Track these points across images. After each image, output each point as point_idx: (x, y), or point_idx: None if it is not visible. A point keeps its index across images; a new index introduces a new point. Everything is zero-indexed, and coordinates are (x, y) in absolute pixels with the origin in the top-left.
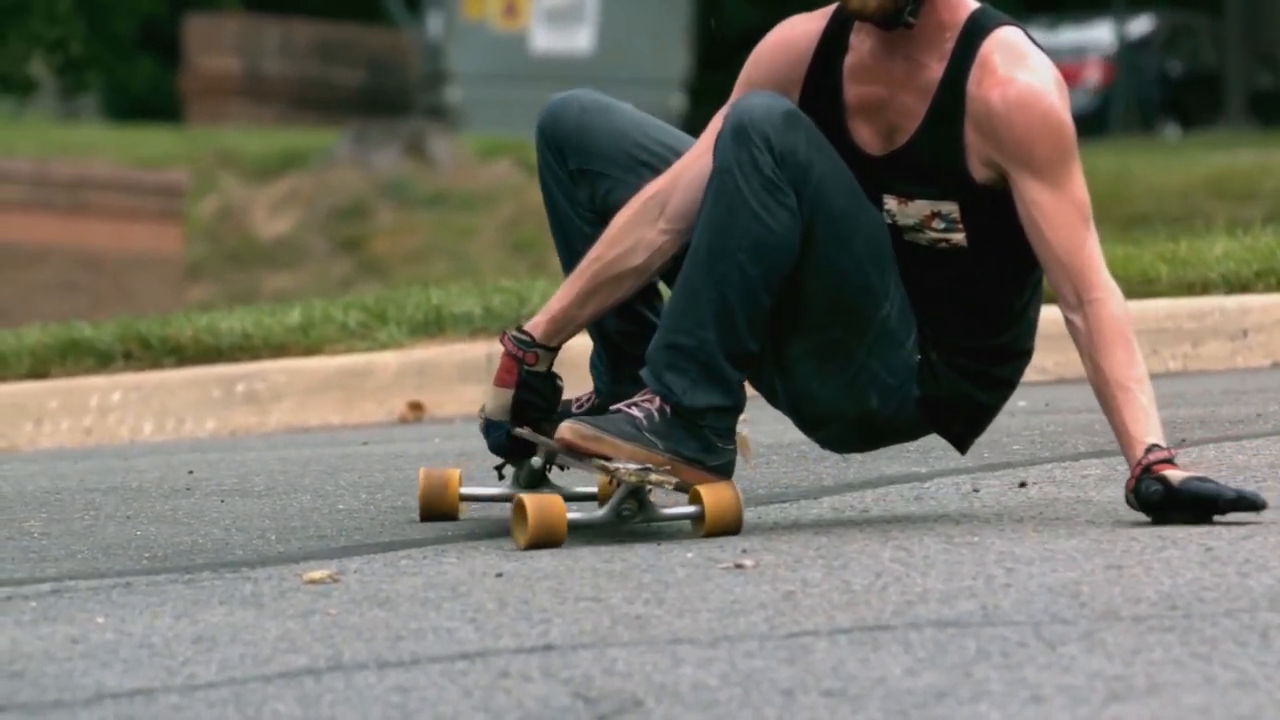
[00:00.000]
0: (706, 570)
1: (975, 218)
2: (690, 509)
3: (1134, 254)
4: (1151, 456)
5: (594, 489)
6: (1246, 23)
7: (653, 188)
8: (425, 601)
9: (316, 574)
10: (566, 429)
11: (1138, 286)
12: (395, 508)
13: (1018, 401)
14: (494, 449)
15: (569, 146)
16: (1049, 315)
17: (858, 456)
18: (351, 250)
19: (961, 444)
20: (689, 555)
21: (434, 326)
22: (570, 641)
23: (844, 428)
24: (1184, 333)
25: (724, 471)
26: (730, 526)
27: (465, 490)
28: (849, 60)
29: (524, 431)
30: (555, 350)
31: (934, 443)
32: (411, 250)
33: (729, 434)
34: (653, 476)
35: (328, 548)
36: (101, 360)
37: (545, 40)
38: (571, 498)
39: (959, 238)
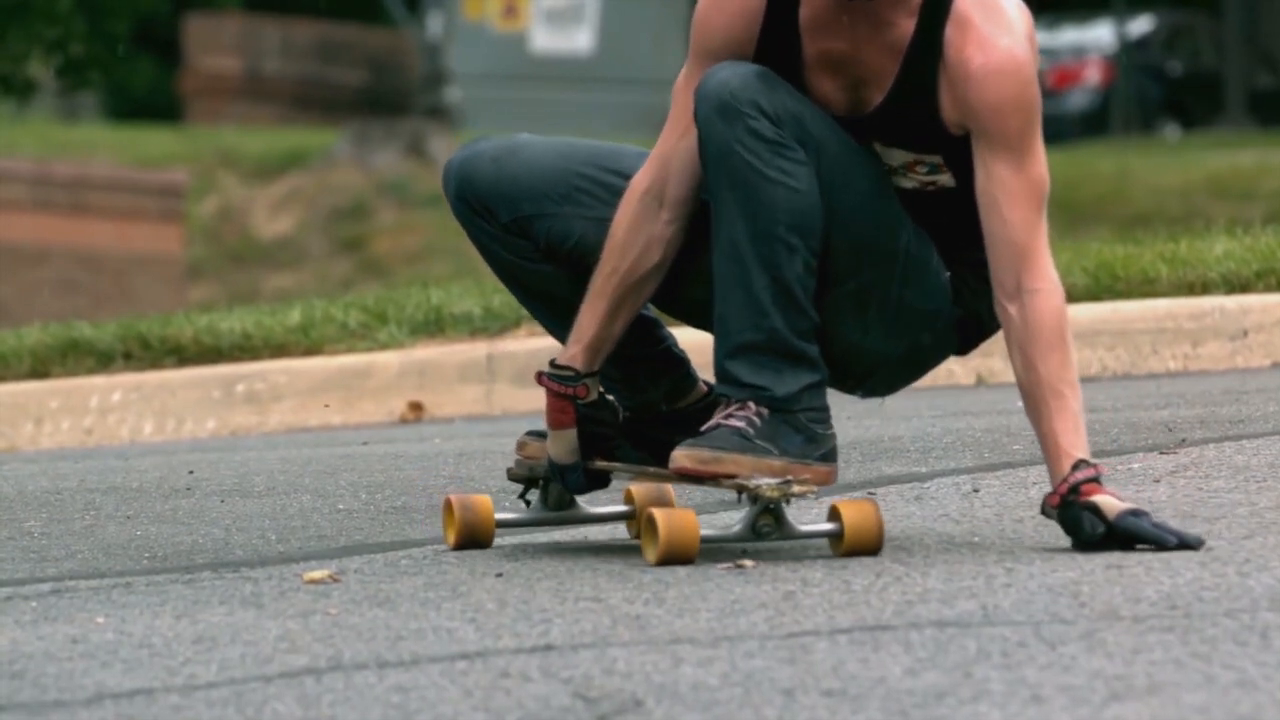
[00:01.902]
0: (706, 570)
1: (960, 163)
2: (828, 526)
3: (1134, 254)
4: (1079, 475)
5: (622, 507)
6: (1246, 23)
7: (642, 183)
8: (425, 601)
9: (316, 574)
10: (682, 457)
11: (1138, 286)
12: (395, 508)
13: (1017, 402)
14: (575, 491)
15: (493, 201)
16: None
17: (857, 455)
18: (352, 250)
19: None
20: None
21: (434, 326)
22: (570, 641)
23: (891, 370)
24: (1184, 332)
25: (830, 459)
26: (870, 546)
27: (500, 516)
28: (804, 14)
29: (605, 465)
30: (598, 374)
31: (934, 443)
32: (412, 250)
33: (825, 413)
34: (795, 488)
35: (328, 548)
36: (102, 360)
37: (545, 41)
38: (595, 519)
39: (945, 179)
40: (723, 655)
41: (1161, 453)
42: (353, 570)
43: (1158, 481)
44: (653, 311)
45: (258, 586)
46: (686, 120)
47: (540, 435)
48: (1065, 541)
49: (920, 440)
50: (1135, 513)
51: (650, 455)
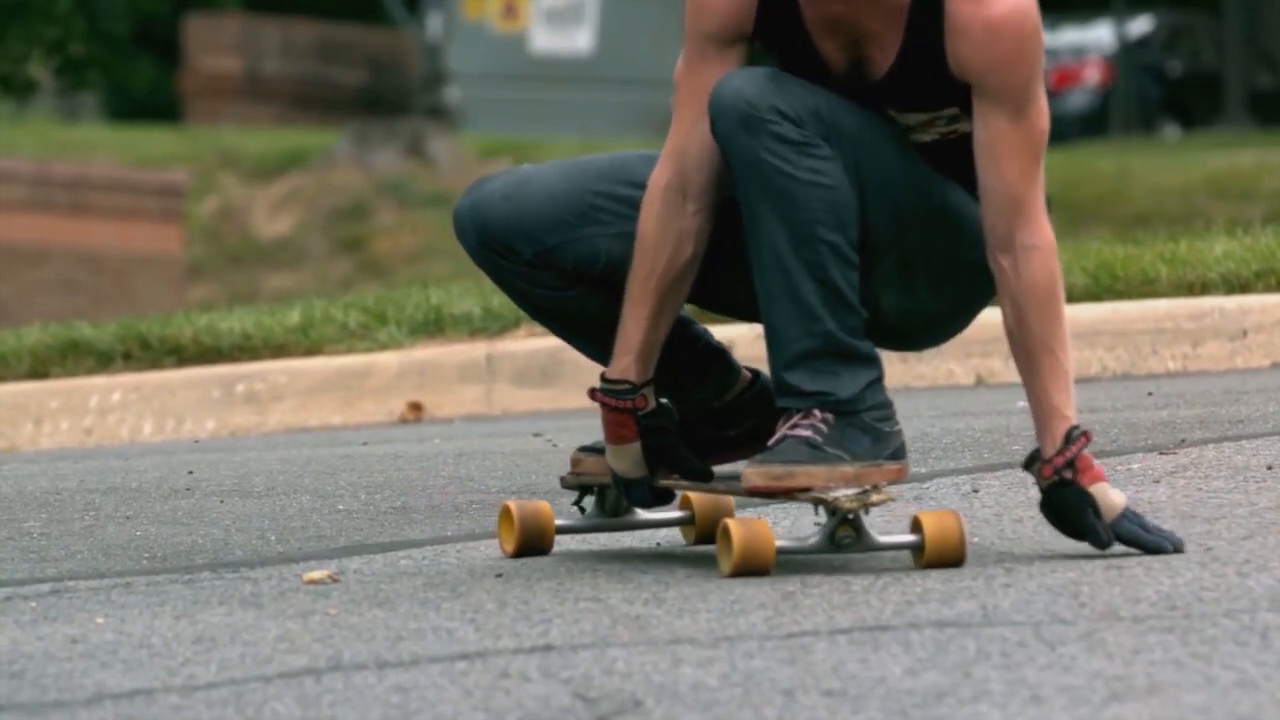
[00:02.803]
0: (706, 570)
1: None
2: (909, 538)
3: (1134, 254)
4: (1074, 449)
5: (678, 512)
6: (1246, 23)
7: (661, 180)
8: (425, 602)
9: (316, 574)
10: (753, 475)
11: (1137, 286)
12: (395, 508)
13: (1017, 402)
14: (641, 505)
15: (514, 239)
16: None
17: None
18: (351, 250)
19: None
20: (689, 556)
21: (434, 327)
22: (570, 642)
23: (945, 322)
24: (1183, 333)
25: (899, 455)
26: (952, 558)
27: (560, 523)
28: None
29: (672, 483)
30: (651, 381)
31: (934, 443)
32: (411, 250)
33: (889, 409)
34: (874, 497)
35: (327, 548)
36: (102, 360)
37: (545, 41)
38: (652, 524)
39: (965, 125)
40: (722, 655)
41: (1161, 453)
42: (352, 570)
43: (1157, 482)
44: (684, 310)
45: (257, 587)
46: (694, 109)
47: (593, 450)
48: (1065, 542)
49: (920, 440)
50: (1129, 515)
51: (710, 455)
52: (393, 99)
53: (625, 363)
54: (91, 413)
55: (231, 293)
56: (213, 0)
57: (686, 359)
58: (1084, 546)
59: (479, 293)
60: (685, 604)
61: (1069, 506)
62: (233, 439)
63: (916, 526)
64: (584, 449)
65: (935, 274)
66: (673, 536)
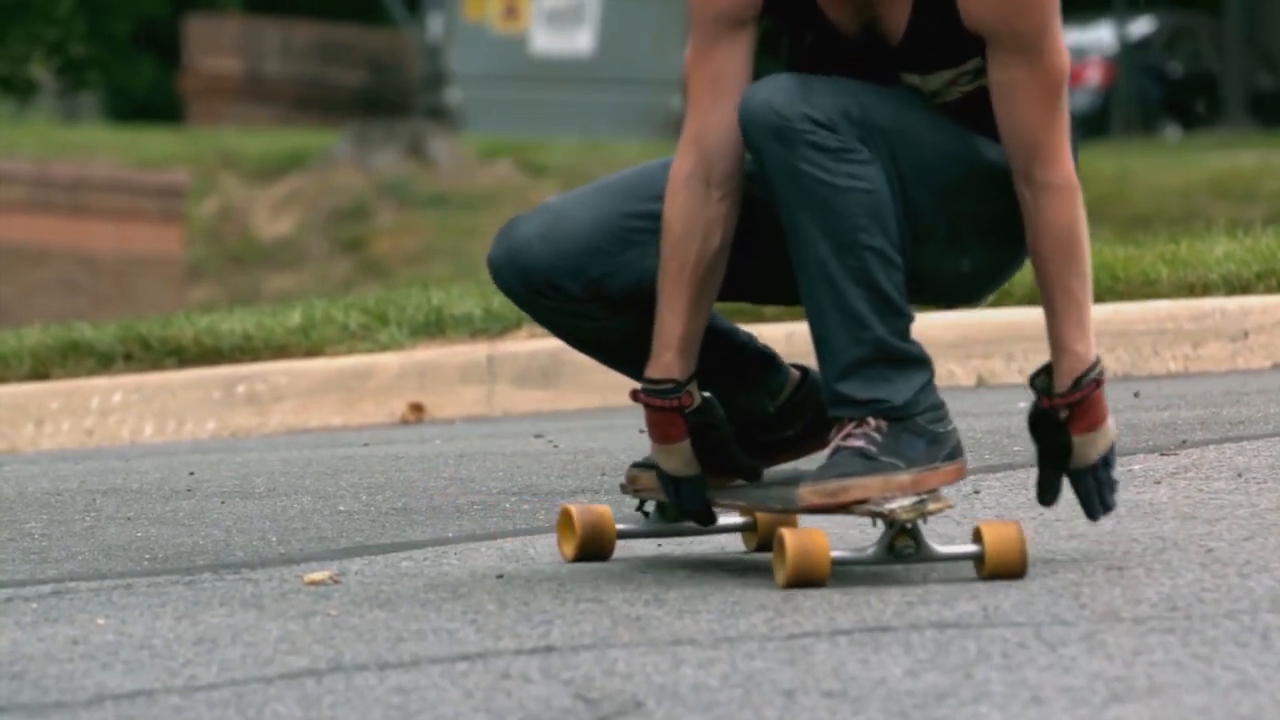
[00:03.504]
0: (707, 571)
1: None
2: (970, 549)
3: (1135, 255)
4: (1078, 395)
5: (739, 518)
6: (1247, 24)
7: (683, 170)
8: (426, 603)
9: (317, 575)
10: (809, 494)
11: (1138, 287)
12: (396, 509)
13: (1018, 403)
14: (692, 505)
15: (559, 278)
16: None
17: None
18: (352, 251)
19: None
20: (689, 556)
21: (435, 328)
22: (571, 643)
23: (997, 274)
24: (1184, 334)
25: (956, 455)
26: (1014, 569)
27: (621, 527)
28: None
29: (727, 503)
30: (695, 377)
31: None
32: (412, 251)
33: (942, 409)
34: (930, 506)
35: (328, 549)
36: (102, 361)
37: (545, 42)
38: (715, 530)
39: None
40: (723, 656)
41: (1162, 454)
42: (353, 571)
43: (1158, 483)
44: (724, 319)
45: (258, 588)
46: (710, 95)
47: (647, 466)
48: (1066, 543)
49: None
50: (1095, 471)
51: (766, 457)
52: (393, 100)
53: (667, 360)
54: (92, 414)
55: (232, 294)
56: (213, 1)
57: (737, 369)
58: (1085, 547)
59: (480, 293)
60: (686, 605)
61: (1043, 449)
62: (234, 440)
63: (977, 537)
64: (638, 465)
65: (985, 229)
66: (673, 537)
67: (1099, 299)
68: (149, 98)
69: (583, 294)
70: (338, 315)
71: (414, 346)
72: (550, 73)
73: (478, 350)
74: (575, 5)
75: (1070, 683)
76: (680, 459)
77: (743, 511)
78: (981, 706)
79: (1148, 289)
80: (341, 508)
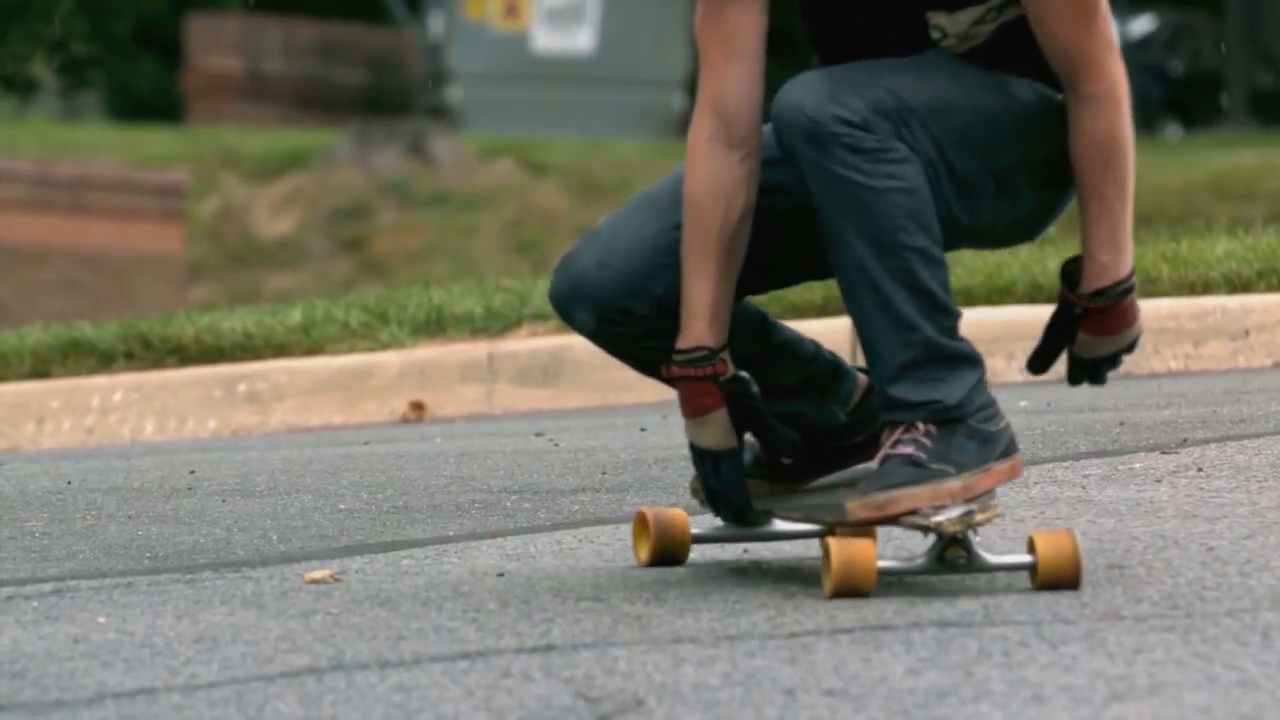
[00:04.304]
0: (707, 570)
1: None
2: (1023, 559)
3: (1136, 253)
4: (1097, 305)
5: (810, 525)
6: (1248, 22)
7: (702, 134)
8: (427, 601)
9: (318, 574)
10: (857, 508)
11: (1139, 286)
12: (397, 508)
13: (1019, 402)
14: (730, 485)
15: (626, 301)
16: (1045, 315)
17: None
18: (353, 250)
19: None
20: (690, 555)
21: (435, 326)
22: (572, 641)
23: (1053, 208)
24: (1185, 332)
25: (1010, 452)
26: (1067, 579)
27: (696, 532)
28: None
29: (784, 515)
30: (728, 347)
31: None
32: (413, 250)
33: (993, 407)
34: (977, 517)
35: (329, 547)
36: (103, 360)
37: (546, 40)
38: (788, 536)
39: (1015, 9)
40: (724, 655)
41: (1163, 452)
42: (354, 570)
43: (1159, 481)
44: (786, 330)
45: (259, 586)
46: (723, 56)
47: None
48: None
49: None
50: (1095, 363)
51: (838, 463)
52: (394, 99)
53: (698, 329)
54: (93, 412)
55: (233, 293)
56: (214, 0)
57: (811, 382)
58: (1086, 545)
59: (480, 292)
60: (687, 603)
61: (1051, 324)
62: (234, 438)
63: (1030, 547)
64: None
65: (1034, 172)
66: None
67: None
68: (150, 97)
69: (652, 312)
70: (338, 314)
71: (415, 345)
72: (551, 72)
73: (478, 349)
74: (576, 4)
75: (1071, 681)
76: (718, 430)
77: (805, 520)
78: (982, 705)
79: (1149, 287)
80: (342, 506)
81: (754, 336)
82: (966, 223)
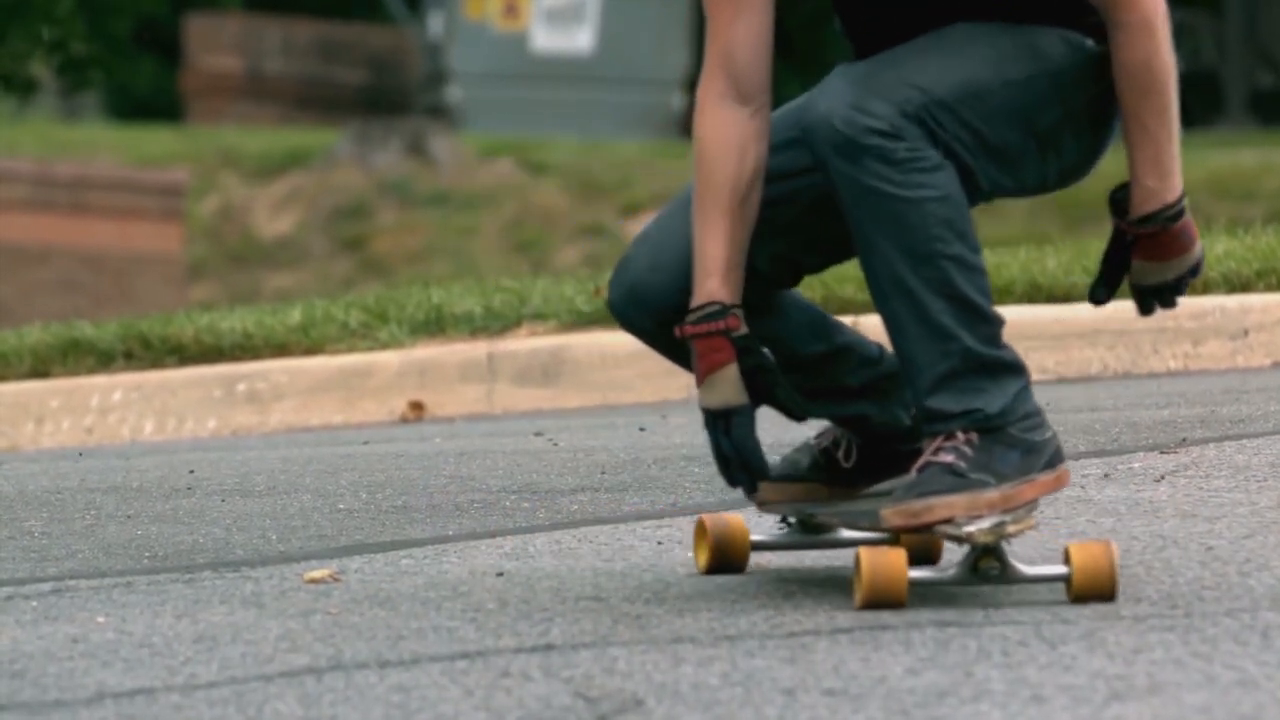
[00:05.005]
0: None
1: None
2: (1058, 570)
3: None
4: (1143, 230)
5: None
6: (1247, 22)
7: (712, 90)
8: (426, 601)
9: (317, 573)
10: (891, 515)
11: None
12: (396, 507)
13: None
14: (743, 445)
15: (681, 296)
16: (1048, 315)
17: None
18: (353, 250)
19: None
20: (690, 555)
21: (435, 326)
22: (571, 641)
23: (1097, 151)
24: (1184, 332)
25: (1054, 463)
26: (1104, 591)
27: (756, 538)
28: None
29: (825, 519)
30: (741, 306)
31: None
32: (413, 250)
33: (1038, 417)
34: (1010, 529)
35: (329, 547)
36: (103, 360)
37: (546, 40)
38: (852, 543)
39: None
40: (723, 654)
41: (1162, 452)
42: (353, 570)
43: (1159, 481)
44: (852, 335)
45: (258, 586)
46: (730, 10)
47: (773, 480)
48: (1066, 540)
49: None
50: (1157, 290)
51: (898, 469)
52: (394, 98)
53: (710, 286)
54: (92, 412)
55: (232, 292)
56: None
57: (877, 384)
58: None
59: (480, 292)
60: (686, 603)
61: (1109, 256)
62: (234, 438)
63: (1066, 558)
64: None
65: (1073, 125)
66: (672, 534)
67: None
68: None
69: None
70: (338, 313)
71: (414, 345)
72: (551, 71)
73: (478, 348)
74: (576, 4)
75: (1070, 681)
76: (728, 385)
77: (844, 526)
78: (982, 705)
79: None
80: (341, 506)
81: (817, 336)
82: (1013, 186)
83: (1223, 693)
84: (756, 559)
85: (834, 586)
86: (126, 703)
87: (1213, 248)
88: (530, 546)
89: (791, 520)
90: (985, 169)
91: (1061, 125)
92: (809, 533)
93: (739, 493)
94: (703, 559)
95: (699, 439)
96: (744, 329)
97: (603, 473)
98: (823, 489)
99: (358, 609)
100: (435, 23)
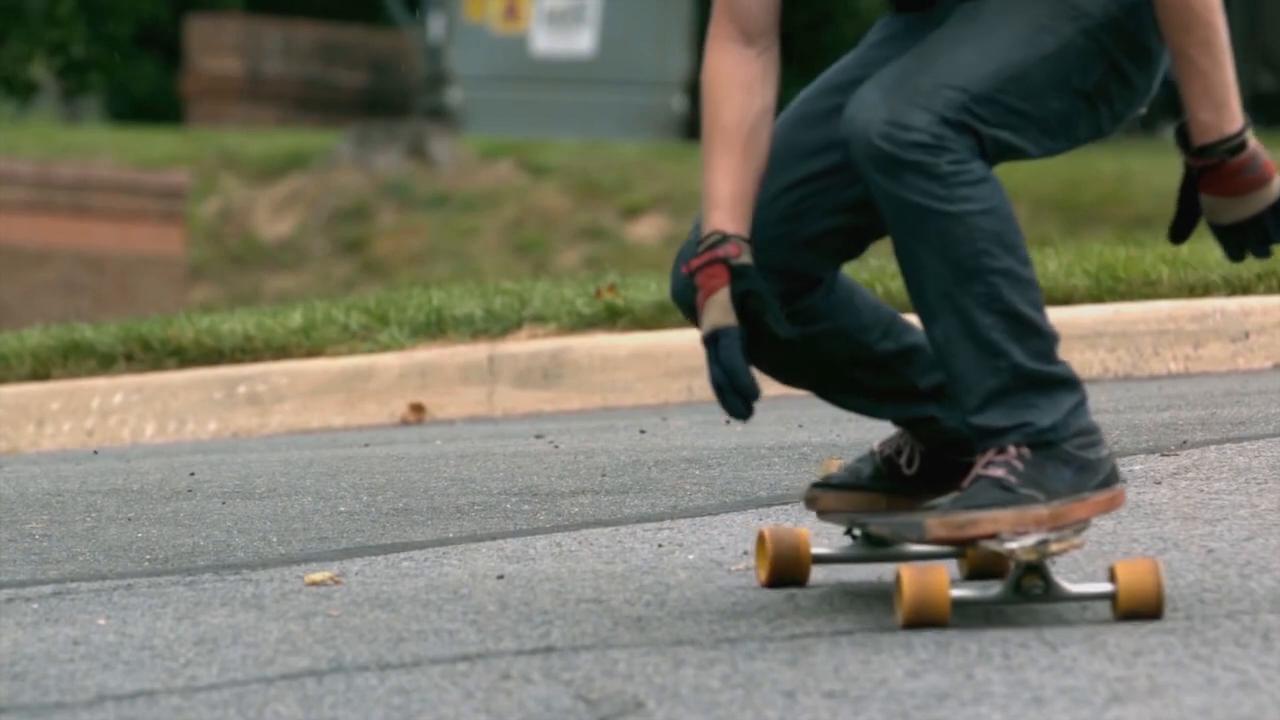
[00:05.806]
0: (708, 572)
1: None
2: (1104, 588)
3: (1135, 255)
4: (1202, 163)
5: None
6: (1247, 23)
7: (720, 33)
8: (427, 603)
9: (318, 576)
10: (935, 525)
11: (1139, 288)
12: (397, 510)
13: None
14: (730, 366)
15: None
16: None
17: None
18: (353, 252)
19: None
20: (690, 557)
21: (435, 328)
22: (571, 643)
23: (1147, 95)
24: (1185, 334)
25: (1110, 482)
26: (1150, 609)
27: (817, 551)
28: None
29: (878, 530)
30: (746, 239)
31: None
32: (413, 251)
33: (1094, 434)
34: (1053, 547)
35: (329, 549)
36: (103, 362)
37: (546, 42)
38: (915, 557)
39: None
40: (724, 657)
41: (1163, 454)
42: (354, 572)
43: (1159, 483)
44: (922, 337)
45: (259, 588)
46: None
47: (828, 486)
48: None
49: None
50: (1238, 228)
51: (957, 479)
52: (394, 100)
53: (716, 218)
54: (93, 414)
55: (233, 294)
56: (214, 1)
57: (942, 385)
58: (1086, 548)
59: (480, 294)
60: (687, 606)
61: (1181, 194)
62: (234, 440)
63: (1112, 576)
64: (817, 485)
65: (1116, 78)
66: (673, 537)
67: (1099, 299)
68: (150, 98)
69: (776, 289)
70: (338, 316)
71: (415, 347)
72: (551, 73)
73: (478, 351)
74: (576, 6)
75: (1071, 683)
76: (718, 308)
77: (891, 537)
78: (982, 707)
79: (1148, 289)
80: (342, 508)
81: (888, 334)
82: (1067, 145)
83: (1223, 695)
84: (818, 573)
85: (835, 589)
86: (127, 705)
87: (1213, 250)
88: (531, 549)
89: (856, 533)
90: (1038, 141)
91: (1106, 78)
92: (873, 546)
93: (739, 494)
94: (763, 572)
95: (700, 441)
96: (745, 258)
97: (603, 475)
98: (882, 499)
99: (358, 611)
100: (436, 25)
